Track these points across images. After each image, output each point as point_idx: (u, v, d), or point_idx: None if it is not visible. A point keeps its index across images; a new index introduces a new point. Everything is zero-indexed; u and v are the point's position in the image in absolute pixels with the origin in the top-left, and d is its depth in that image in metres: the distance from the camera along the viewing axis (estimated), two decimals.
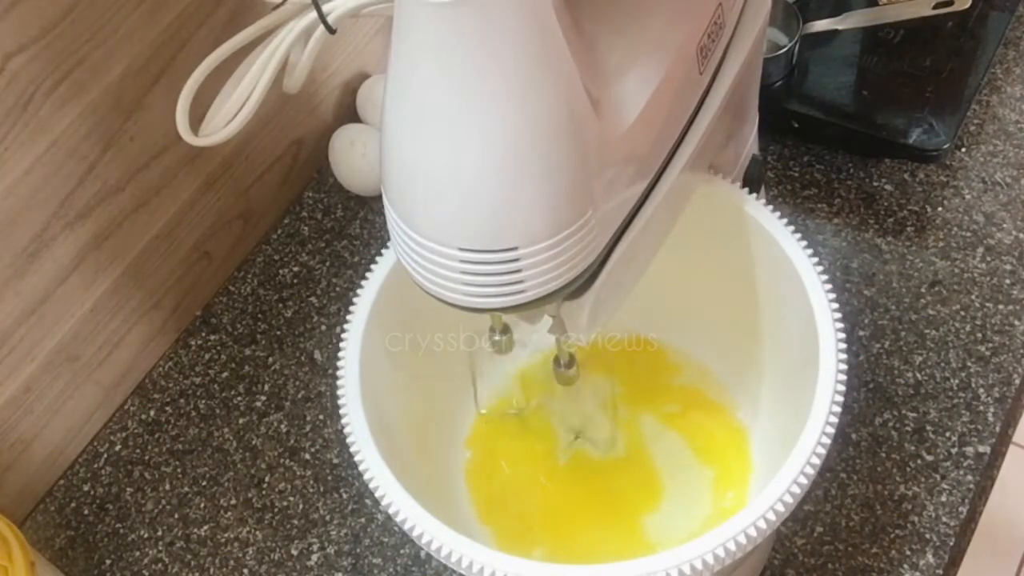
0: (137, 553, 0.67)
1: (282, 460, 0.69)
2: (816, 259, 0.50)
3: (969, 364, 0.66)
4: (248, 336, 0.75)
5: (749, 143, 0.60)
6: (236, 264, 0.79)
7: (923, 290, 0.69)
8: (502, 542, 0.58)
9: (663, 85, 0.42)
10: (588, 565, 0.43)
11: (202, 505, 0.68)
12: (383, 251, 0.53)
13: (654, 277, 0.51)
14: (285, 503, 0.67)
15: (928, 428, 0.64)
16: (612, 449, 0.61)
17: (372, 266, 0.53)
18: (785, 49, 0.76)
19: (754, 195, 0.53)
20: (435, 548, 0.44)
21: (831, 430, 0.45)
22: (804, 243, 0.50)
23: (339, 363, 0.50)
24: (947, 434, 0.63)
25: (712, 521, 0.57)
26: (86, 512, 0.69)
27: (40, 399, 0.67)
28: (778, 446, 0.53)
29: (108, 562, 0.67)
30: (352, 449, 0.47)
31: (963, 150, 0.75)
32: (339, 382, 0.49)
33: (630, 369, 0.63)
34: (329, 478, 0.68)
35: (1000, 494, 0.72)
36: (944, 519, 0.60)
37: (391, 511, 0.45)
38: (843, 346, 0.47)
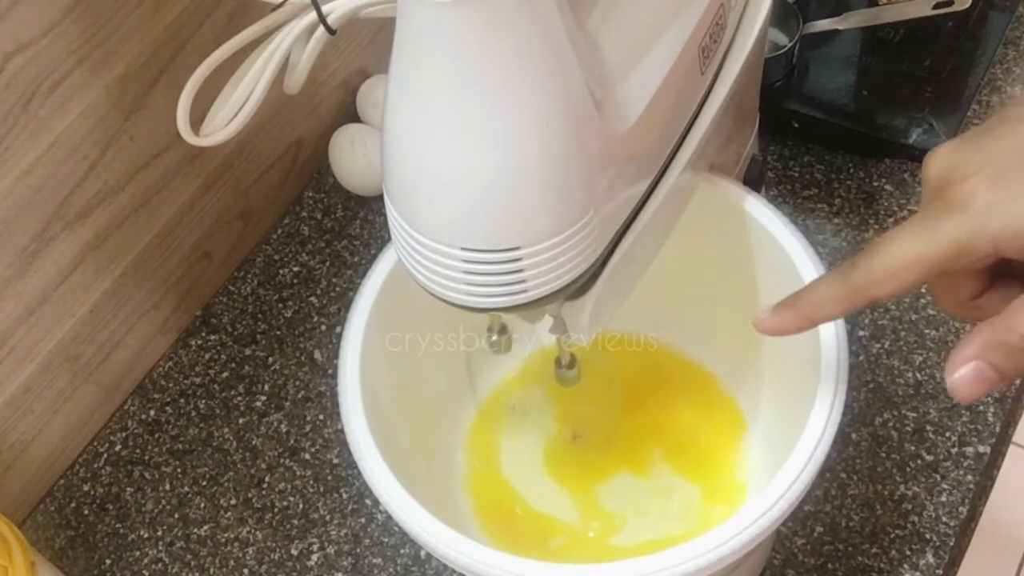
0: (137, 553, 0.67)
1: (282, 460, 0.69)
2: (817, 259, 0.50)
3: None
4: (248, 336, 0.75)
5: (749, 143, 0.60)
6: (236, 264, 0.79)
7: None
8: (502, 542, 0.58)
9: (665, 85, 0.42)
10: (588, 565, 0.43)
11: (202, 505, 0.68)
12: (383, 251, 0.53)
13: (654, 277, 0.51)
14: (285, 503, 0.67)
15: (928, 428, 0.64)
16: (612, 449, 0.61)
17: (372, 266, 0.53)
18: (785, 49, 0.76)
19: (754, 195, 0.53)
20: (435, 548, 0.44)
21: (832, 430, 0.45)
22: (804, 243, 0.51)
23: (339, 363, 0.50)
24: (947, 434, 0.63)
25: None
26: (86, 512, 0.69)
27: (40, 399, 0.67)
28: (778, 446, 0.53)
29: (108, 562, 0.67)
30: (352, 449, 0.47)
31: None
32: (339, 382, 0.49)
33: (630, 369, 0.63)
34: (329, 478, 0.68)
35: (1000, 494, 0.72)
36: (944, 519, 0.60)
37: (391, 511, 0.45)
38: (844, 346, 0.47)
